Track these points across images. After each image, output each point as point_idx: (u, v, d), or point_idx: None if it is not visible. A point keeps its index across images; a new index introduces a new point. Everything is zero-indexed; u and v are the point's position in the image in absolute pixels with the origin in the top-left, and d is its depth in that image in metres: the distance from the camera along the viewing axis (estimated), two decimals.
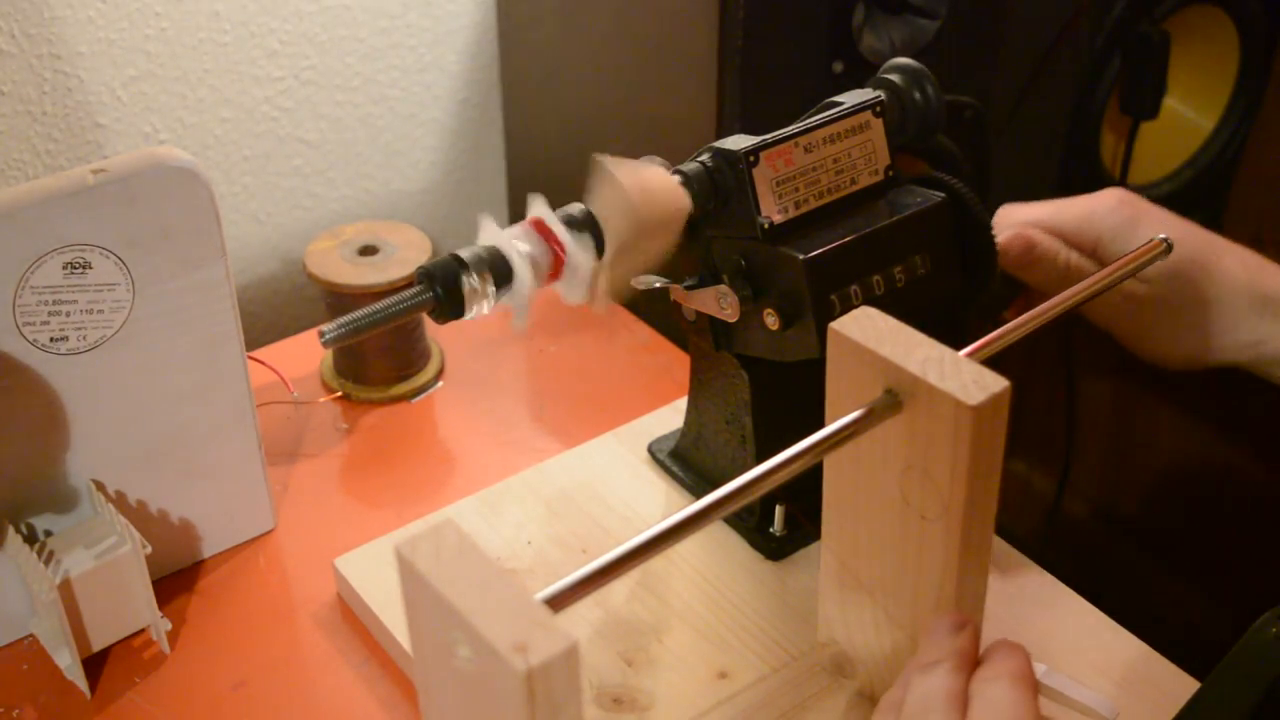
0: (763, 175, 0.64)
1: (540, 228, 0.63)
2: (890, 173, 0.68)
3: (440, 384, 0.91)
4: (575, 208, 0.64)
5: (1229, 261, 0.75)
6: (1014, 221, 0.76)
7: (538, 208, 0.63)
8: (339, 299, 0.86)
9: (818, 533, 0.63)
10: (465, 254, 0.61)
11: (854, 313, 0.56)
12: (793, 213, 0.65)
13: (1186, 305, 0.75)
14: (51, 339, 0.65)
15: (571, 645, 0.41)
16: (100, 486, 0.69)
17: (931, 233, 0.68)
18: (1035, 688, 0.52)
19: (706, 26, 0.84)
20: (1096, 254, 0.75)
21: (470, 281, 0.61)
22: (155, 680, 0.68)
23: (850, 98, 0.68)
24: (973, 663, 0.53)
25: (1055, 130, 1.04)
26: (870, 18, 0.86)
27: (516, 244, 0.62)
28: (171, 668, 0.69)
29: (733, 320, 0.67)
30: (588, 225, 0.63)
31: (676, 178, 0.64)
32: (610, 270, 0.63)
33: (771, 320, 0.65)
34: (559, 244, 0.62)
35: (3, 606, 0.69)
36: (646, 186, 0.62)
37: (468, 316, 0.62)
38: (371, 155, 1.08)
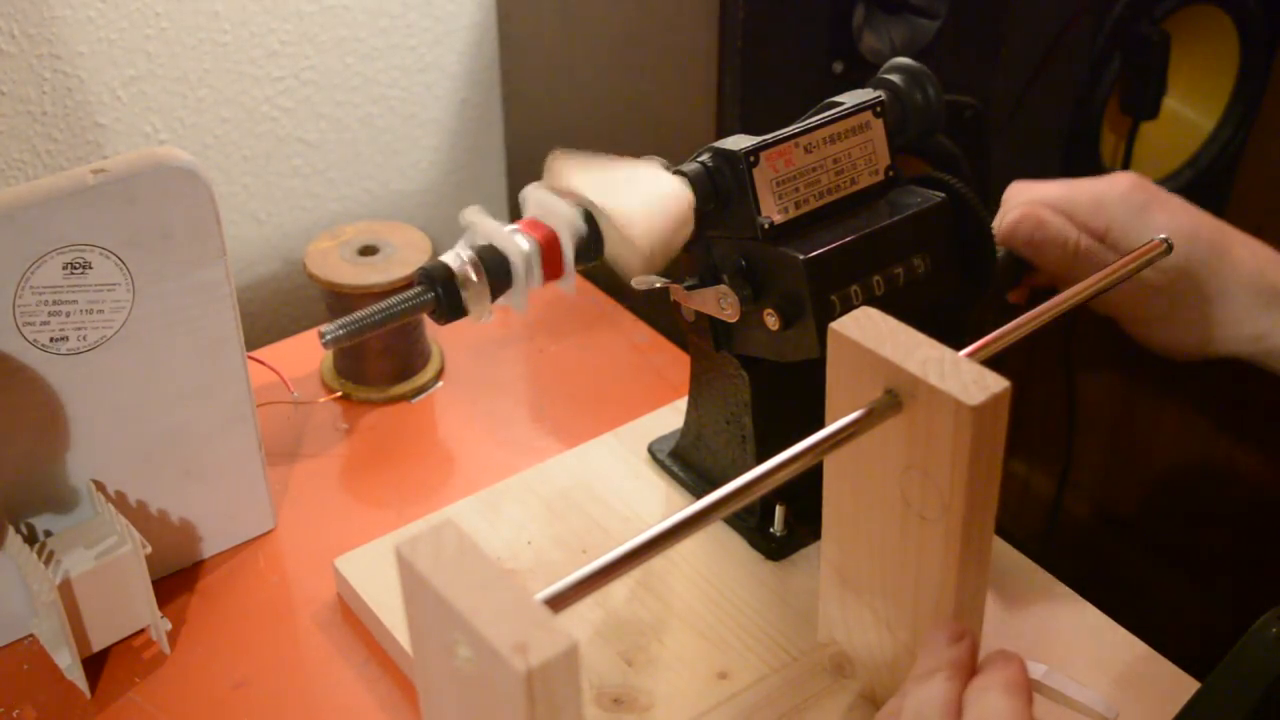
0: (763, 175, 0.64)
1: (542, 236, 0.62)
2: (890, 173, 0.68)
3: (440, 384, 0.91)
4: (578, 211, 0.64)
5: (1240, 252, 0.73)
6: (1025, 200, 0.75)
7: (539, 209, 0.63)
8: (339, 299, 0.86)
9: (817, 533, 0.63)
10: (465, 255, 0.61)
11: (854, 313, 0.56)
12: (793, 213, 0.65)
13: (1195, 294, 0.73)
14: (51, 339, 0.64)
15: (571, 645, 0.41)
16: (100, 486, 0.69)
17: (931, 233, 0.68)
18: (1030, 696, 0.52)
19: (706, 26, 0.84)
20: (1106, 239, 0.73)
21: (469, 280, 0.61)
22: (155, 680, 0.68)
23: (850, 98, 0.68)
24: (969, 672, 0.53)
25: (1055, 130, 1.04)
26: (870, 18, 0.86)
27: (517, 246, 0.62)
28: (171, 668, 0.69)
29: (733, 320, 0.67)
30: (590, 234, 0.63)
31: (677, 179, 0.64)
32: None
33: (771, 320, 0.65)
34: (560, 255, 0.62)
35: (3, 606, 0.69)
36: (651, 228, 0.62)
37: (470, 315, 0.62)
38: (371, 155, 1.08)
